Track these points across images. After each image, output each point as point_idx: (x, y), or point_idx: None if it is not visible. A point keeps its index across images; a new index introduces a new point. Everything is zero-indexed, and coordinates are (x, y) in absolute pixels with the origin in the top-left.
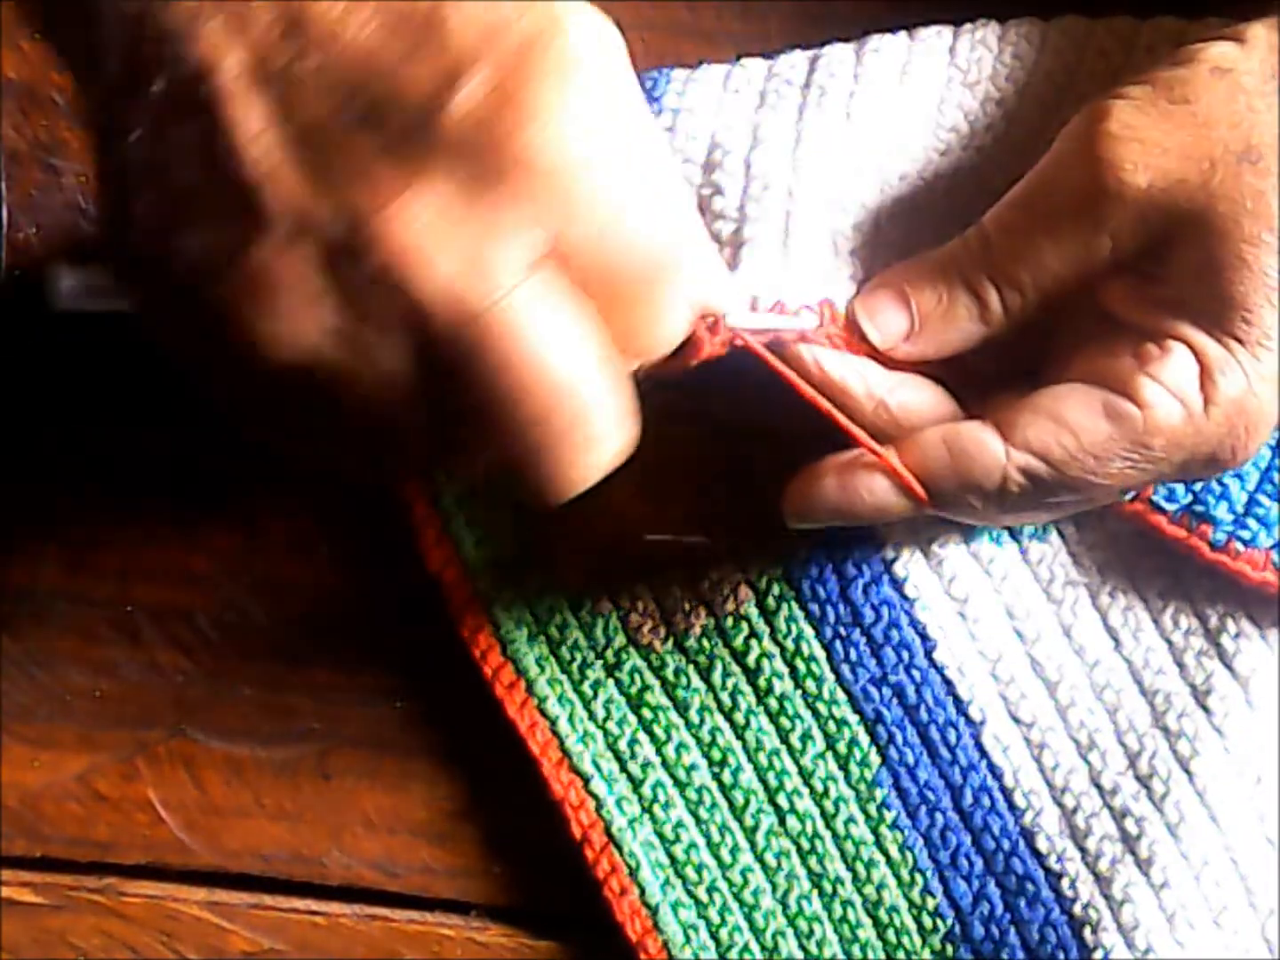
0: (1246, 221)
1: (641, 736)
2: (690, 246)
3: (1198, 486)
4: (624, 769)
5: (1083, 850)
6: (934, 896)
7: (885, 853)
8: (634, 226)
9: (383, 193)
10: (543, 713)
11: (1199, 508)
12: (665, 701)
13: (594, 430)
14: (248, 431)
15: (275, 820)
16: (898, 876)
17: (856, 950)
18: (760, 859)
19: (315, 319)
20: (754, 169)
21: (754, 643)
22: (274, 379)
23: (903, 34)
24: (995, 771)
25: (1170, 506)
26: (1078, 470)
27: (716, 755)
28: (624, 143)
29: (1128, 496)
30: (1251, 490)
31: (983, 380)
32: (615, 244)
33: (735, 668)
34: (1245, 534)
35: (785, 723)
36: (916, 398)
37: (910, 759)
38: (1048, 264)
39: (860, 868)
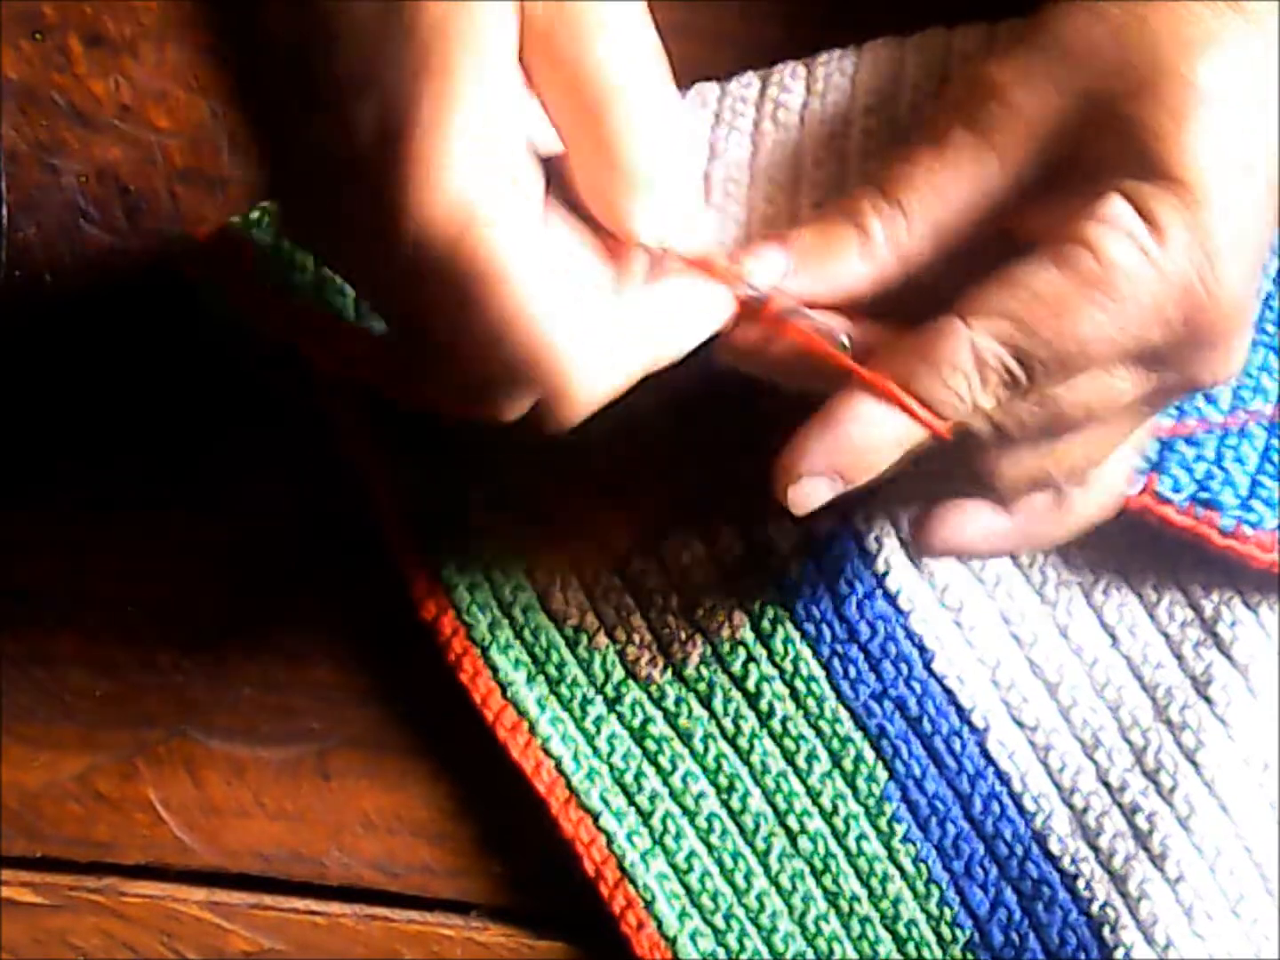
0: (1126, 86)
1: (647, 769)
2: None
3: (1200, 474)
4: (632, 802)
5: (1096, 849)
6: (951, 907)
7: (899, 866)
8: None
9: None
10: (547, 752)
11: (1204, 494)
12: (668, 732)
13: (579, 363)
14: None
15: (275, 820)
16: (913, 889)
17: None
18: (775, 882)
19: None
20: (713, 179)
21: (752, 667)
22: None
23: (851, 47)
24: (1003, 777)
25: (1176, 496)
26: (1043, 325)
27: (724, 782)
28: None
29: (1133, 490)
30: (1253, 473)
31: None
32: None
33: (735, 693)
34: (1252, 517)
35: (790, 744)
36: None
37: (917, 771)
38: (933, 186)
39: (875, 883)
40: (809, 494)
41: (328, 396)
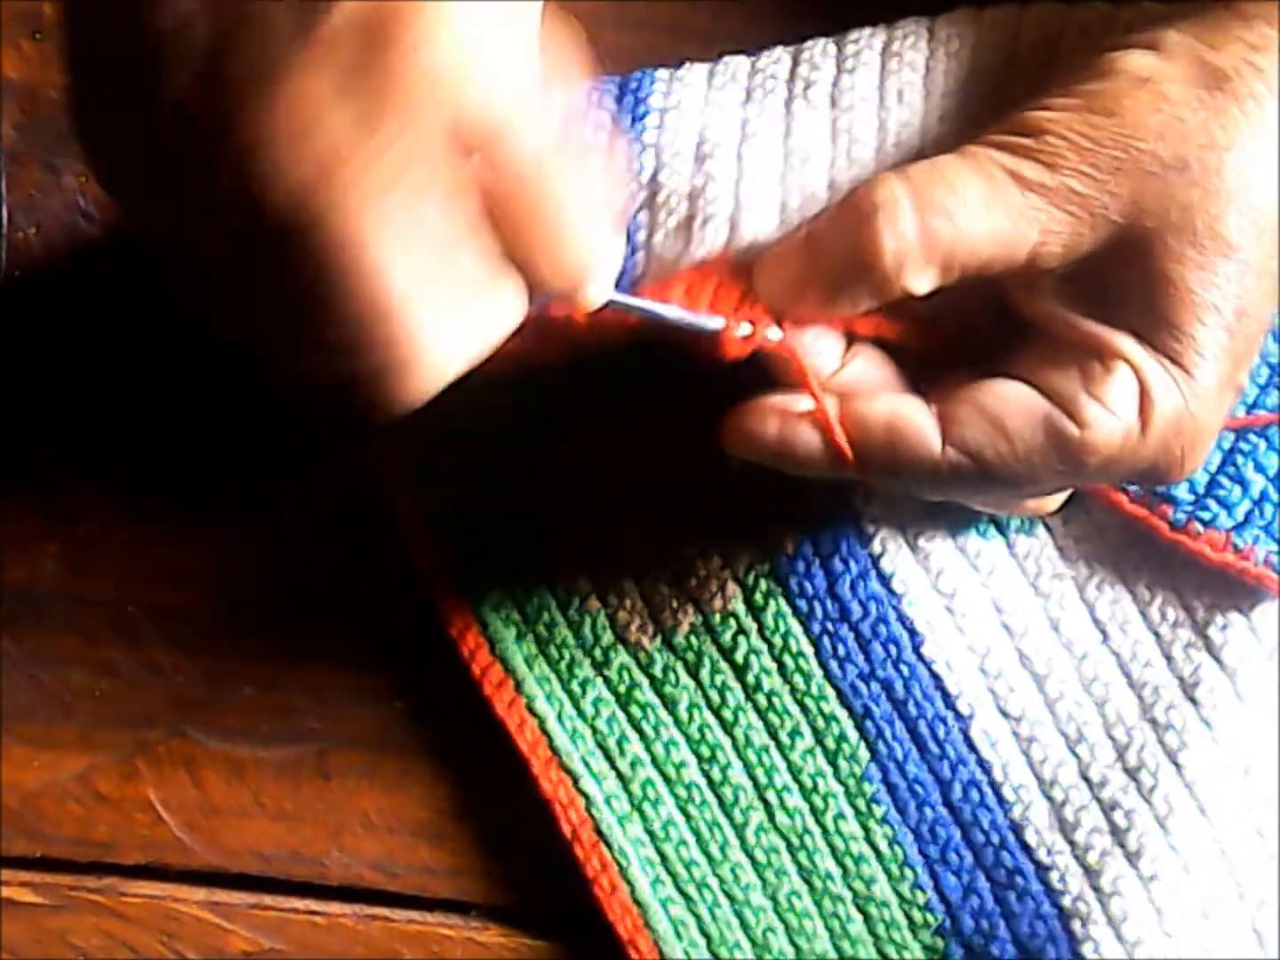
0: (1171, 237)
1: (630, 734)
2: (579, 172)
3: None
4: (613, 767)
5: (1072, 843)
6: (924, 891)
7: (875, 848)
8: (527, 145)
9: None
10: (531, 711)
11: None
12: (654, 699)
13: (428, 335)
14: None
15: (275, 820)
16: (887, 871)
17: (847, 945)
18: (750, 855)
19: None
20: (745, 161)
21: (742, 639)
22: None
23: (882, 26)
24: (984, 766)
25: (1132, 486)
26: (1008, 475)
27: (705, 752)
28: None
29: None
30: (1213, 472)
31: (947, 356)
32: (513, 156)
33: (723, 665)
34: (1205, 515)
35: (774, 719)
36: (866, 374)
37: (899, 754)
38: (968, 231)
39: (850, 863)
40: (743, 459)
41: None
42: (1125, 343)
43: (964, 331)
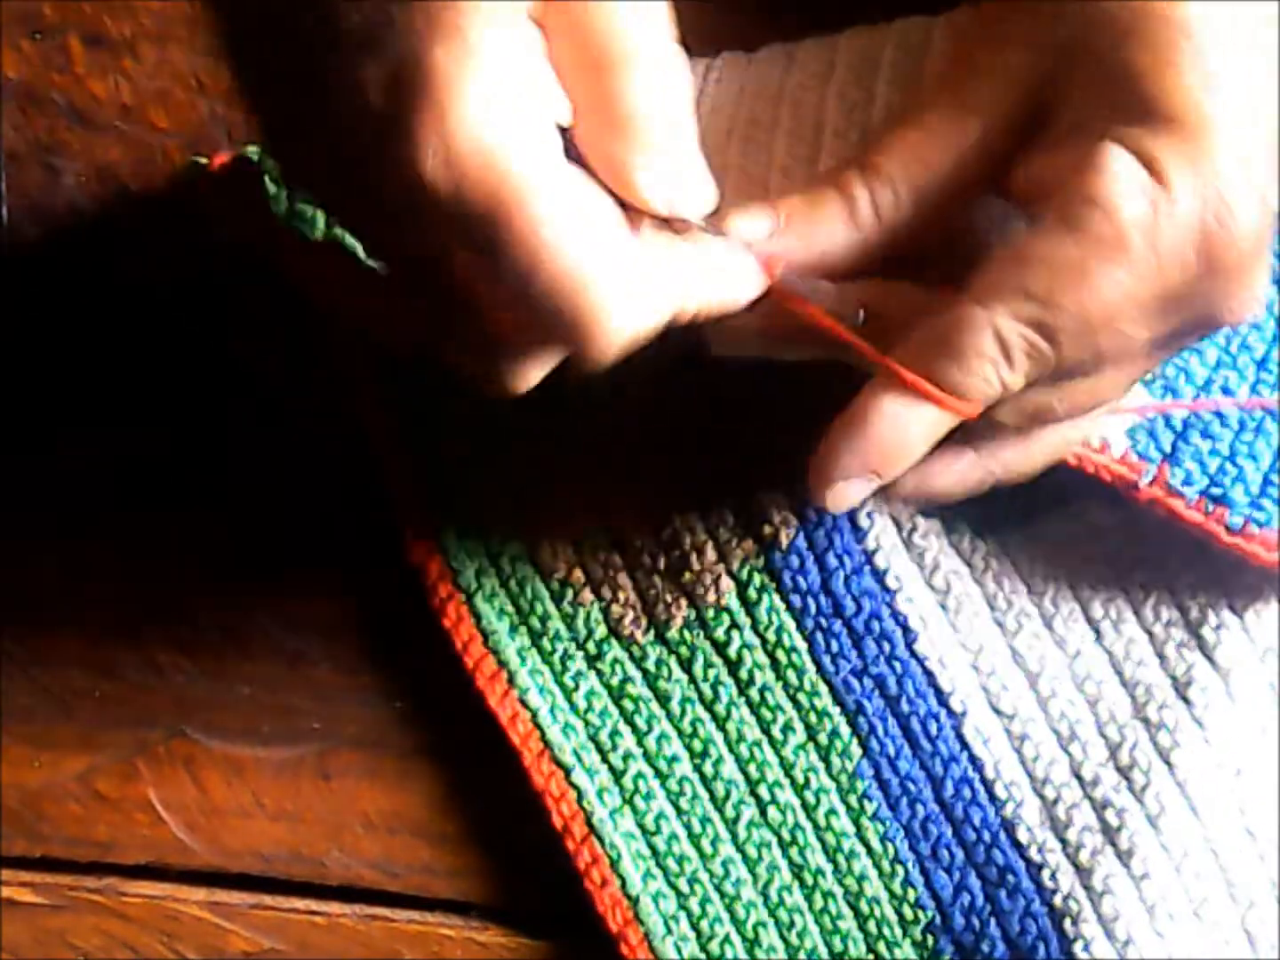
0: (1108, 36)
1: (623, 728)
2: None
3: (1213, 468)
4: (605, 760)
5: (1063, 841)
6: (915, 888)
7: (866, 844)
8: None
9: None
10: (524, 704)
11: (1216, 490)
12: (647, 693)
13: (609, 296)
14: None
15: (275, 820)
16: (879, 868)
17: (837, 941)
18: (741, 850)
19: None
20: (730, 150)
21: (735, 634)
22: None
23: (882, 24)
24: (976, 763)
25: (1188, 490)
26: (1065, 296)
27: (698, 747)
28: None
29: (1144, 480)
30: (1266, 471)
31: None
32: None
33: (717, 659)
34: (1261, 515)
35: (766, 714)
36: (884, 294)
37: (891, 750)
38: (914, 151)
39: (841, 859)
40: (847, 495)
41: (336, 367)
42: (1110, 134)
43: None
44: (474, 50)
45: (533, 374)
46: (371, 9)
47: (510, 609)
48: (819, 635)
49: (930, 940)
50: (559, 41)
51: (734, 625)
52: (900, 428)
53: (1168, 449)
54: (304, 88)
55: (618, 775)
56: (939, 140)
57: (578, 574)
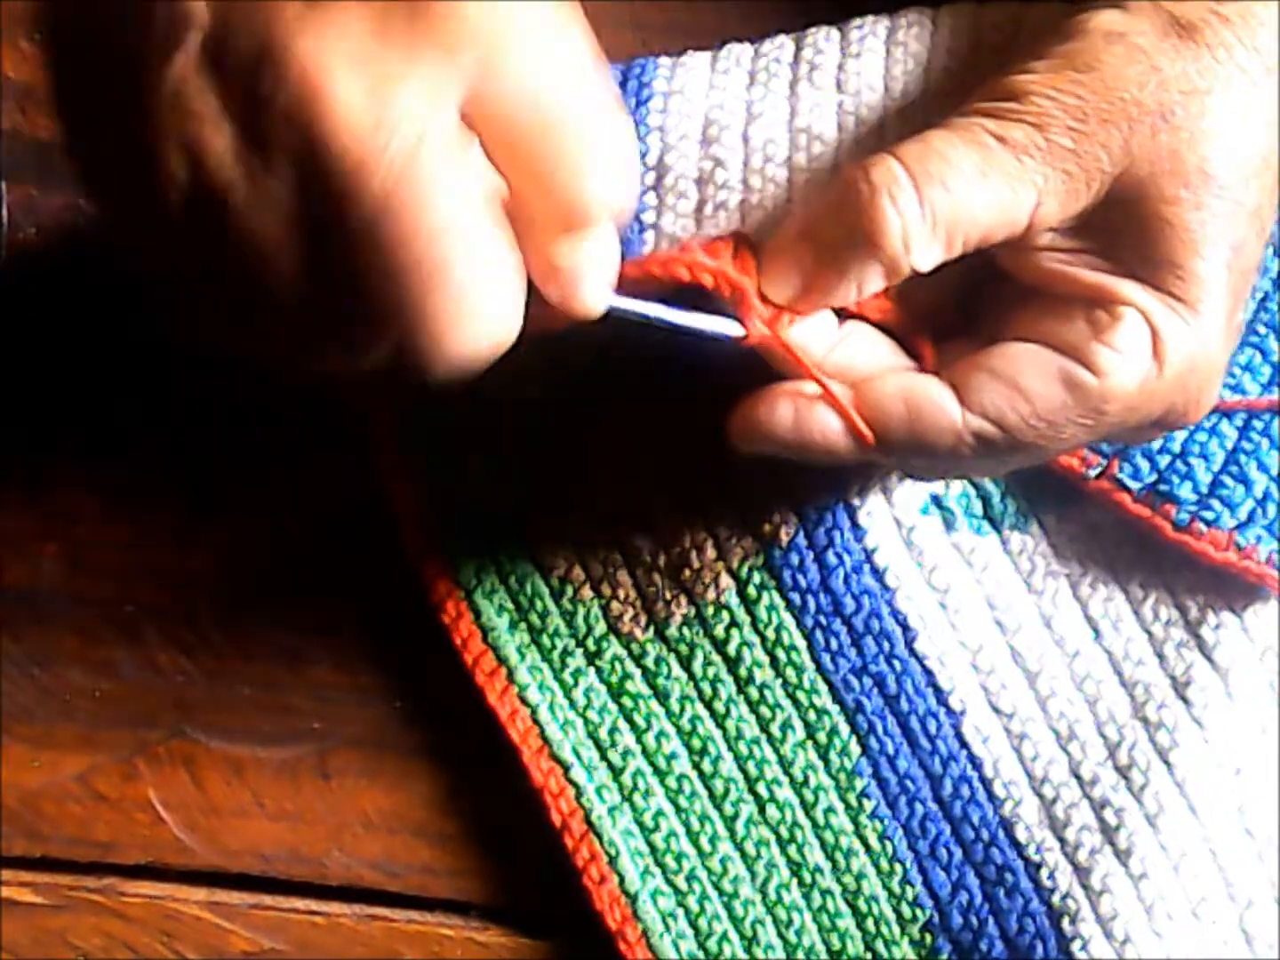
0: (1165, 181)
1: (622, 725)
2: (606, 119)
3: (1163, 465)
4: (604, 757)
5: (1062, 840)
6: (913, 886)
7: (865, 842)
8: (553, 87)
9: (296, 15)
10: (523, 700)
11: (1163, 487)
12: (646, 690)
13: (473, 297)
14: (160, 292)
15: (275, 820)
16: (877, 866)
17: (835, 939)
18: (740, 848)
19: (219, 138)
20: (753, 142)
21: (735, 632)
22: (175, 210)
23: (885, 15)
24: (975, 762)
25: (1134, 485)
26: (1031, 435)
27: (696, 744)
28: (548, 7)
29: (1092, 473)
30: (1216, 471)
31: (931, 329)
32: (532, 103)
33: (716, 657)
34: (1209, 515)
35: (765, 712)
36: (860, 351)
37: (890, 749)
38: (967, 201)
39: (839, 857)
40: (753, 450)
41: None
42: (1129, 288)
43: (946, 301)
44: None
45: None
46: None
47: (509, 605)
48: (818, 633)
49: (928, 939)
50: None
51: (733, 623)
52: (822, 440)
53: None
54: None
55: (616, 772)
56: (993, 199)
57: (577, 571)
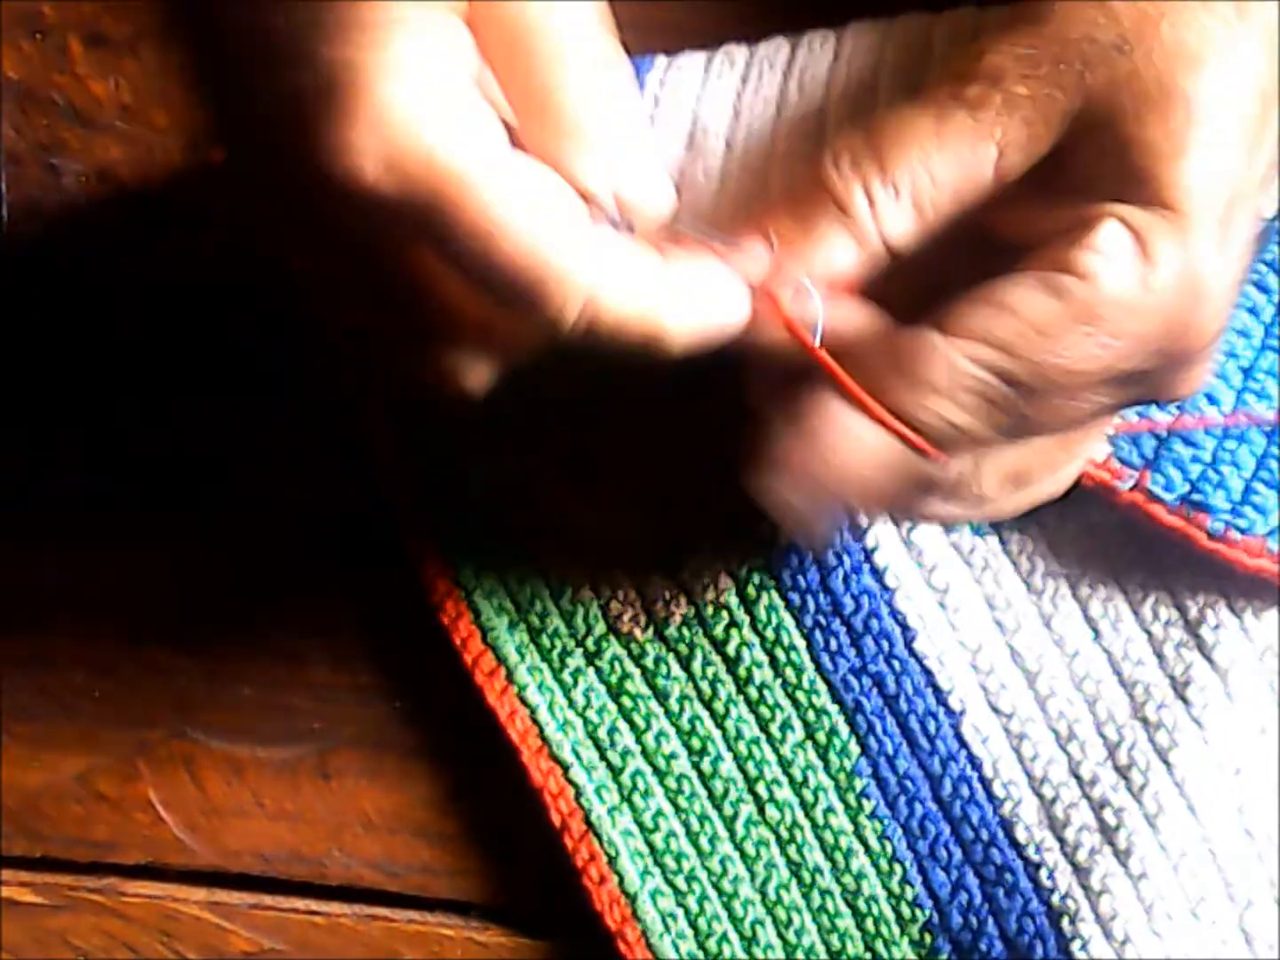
0: (1128, 101)
1: (621, 725)
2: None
3: (1195, 475)
4: (603, 757)
5: (1061, 840)
6: (913, 886)
7: (864, 842)
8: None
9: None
10: (522, 700)
11: (1196, 496)
12: (645, 690)
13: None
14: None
15: (275, 820)
16: (876, 866)
17: (835, 939)
18: (739, 848)
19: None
20: (735, 144)
21: (734, 632)
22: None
23: (883, 19)
24: (974, 762)
25: (1168, 495)
26: (1028, 351)
27: (696, 744)
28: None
29: (1124, 485)
30: (1248, 479)
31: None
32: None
33: (715, 656)
34: (1242, 522)
35: (765, 712)
36: (846, 317)
37: (890, 749)
38: (927, 166)
39: (839, 857)
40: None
41: (342, 376)
42: (1107, 205)
43: (936, 270)
44: (402, 55)
45: (491, 369)
46: (300, 18)
47: (509, 605)
48: (818, 633)
49: (928, 939)
50: (489, 43)
51: (733, 623)
52: (851, 443)
53: (1150, 455)
54: (245, 100)
55: (616, 772)
56: (955, 161)
57: (577, 571)
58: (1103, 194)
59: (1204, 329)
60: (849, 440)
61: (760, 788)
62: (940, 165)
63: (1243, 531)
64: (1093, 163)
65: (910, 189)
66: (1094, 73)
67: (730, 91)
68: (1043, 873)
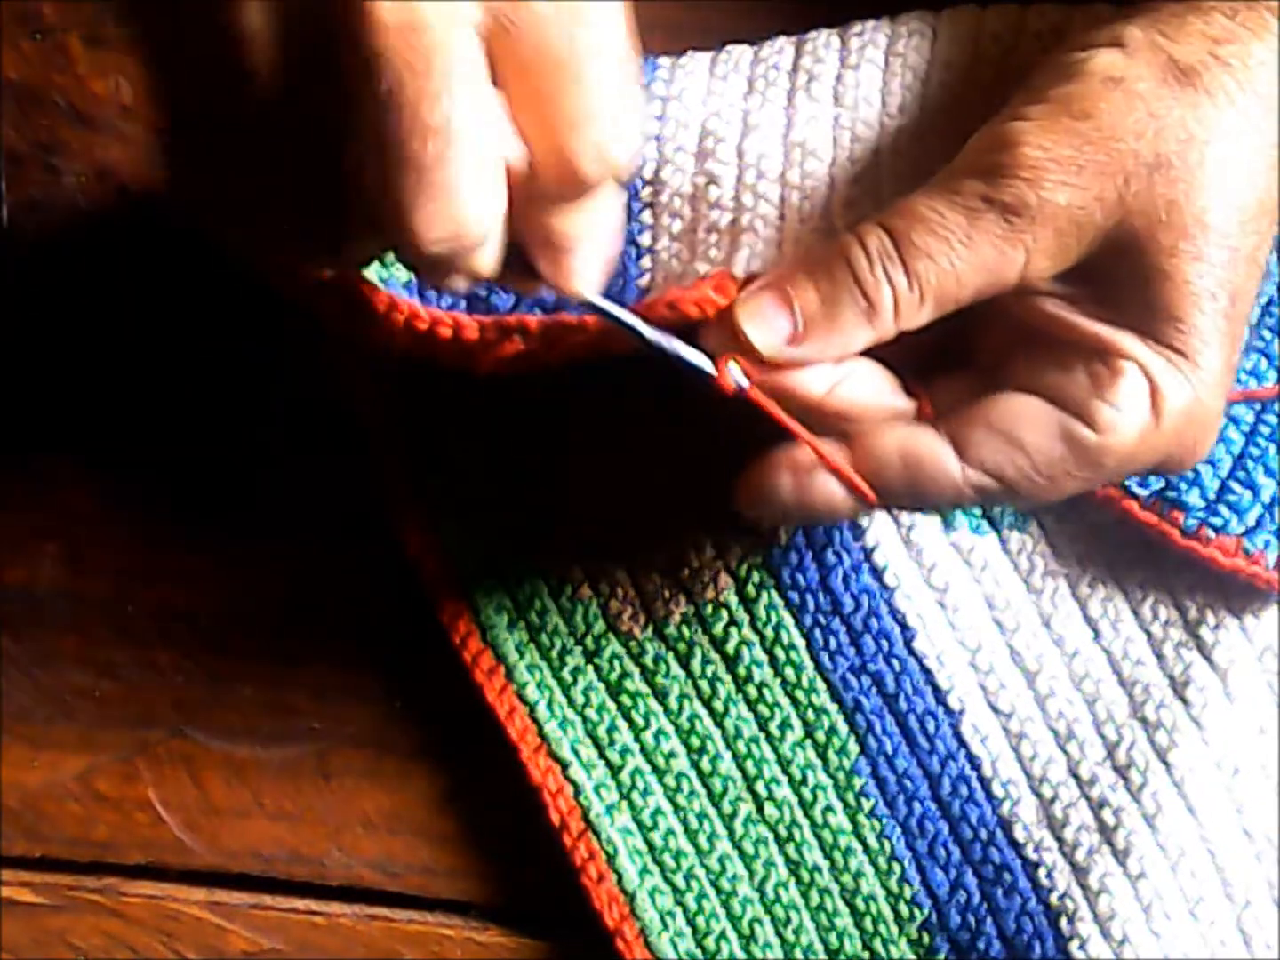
0: (1162, 233)
1: (620, 723)
2: (619, 77)
3: None
4: (602, 755)
5: (1060, 840)
6: (911, 885)
7: (863, 841)
8: (570, 27)
9: None
10: (521, 699)
11: (1171, 494)
12: (644, 688)
13: (454, 182)
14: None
15: (275, 820)
16: (875, 865)
17: (833, 938)
18: (738, 846)
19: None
20: (747, 157)
21: (733, 630)
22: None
23: (885, 19)
24: (973, 761)
25: (1142, 492)
26: (1029, 488)
27: (695, 743)
28: None
29: None
30: (1224, 477)
31: (927, 359)
32: (547, 34)
33: (714, 655)
34: (1217, 521)
35: (764, 710)
36: (862, 390)
37: (889, 748)
38: (954, 268)
39: (838, 856)
40: (761, 517)
41: (341, 374)
42: (1128, 341)
43: (952, 337)
44: None
45: (369, 251)
46: None
47: (508, 604)
48: (817, 632)
49: (926, 938)
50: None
51: (732, 621)
52: (825, 504)
53: None
54: None
55: (615, 770)
56: (981, 266)
57: (575, 569)
58: (1122, 316)
59: (1194, 457)
60: (825, 489)
61: (759, 786)
62: (967, 268)
63: (1217, 530)
64: (1120, 284)
65: (935, 292)
66: (1133, 191)
67: (737, 97)
68: (1041, 872)
